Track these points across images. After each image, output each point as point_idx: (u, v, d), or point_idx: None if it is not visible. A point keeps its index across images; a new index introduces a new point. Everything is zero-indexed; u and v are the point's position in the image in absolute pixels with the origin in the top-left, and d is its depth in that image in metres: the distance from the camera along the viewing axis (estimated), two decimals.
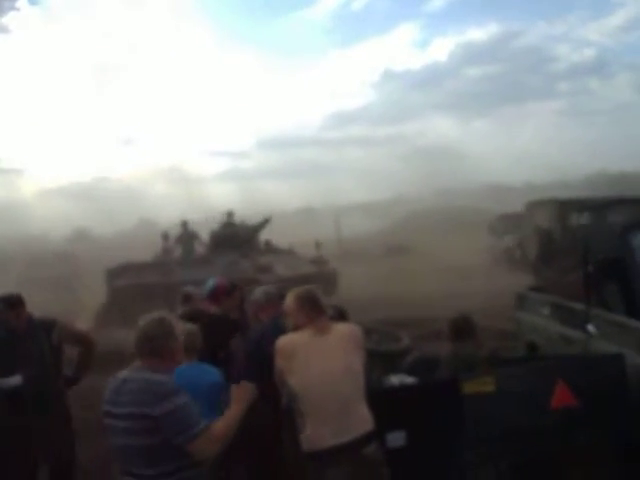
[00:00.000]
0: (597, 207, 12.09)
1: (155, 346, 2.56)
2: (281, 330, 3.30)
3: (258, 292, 4.33)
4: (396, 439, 3.48)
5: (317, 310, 3.06)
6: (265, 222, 15.47)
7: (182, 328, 2.79)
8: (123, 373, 2.61)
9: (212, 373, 3.69)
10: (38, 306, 4.78)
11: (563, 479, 3.90)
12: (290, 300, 3.15)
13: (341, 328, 3.11)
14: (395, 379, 4.37)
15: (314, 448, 2.81)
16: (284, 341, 3.01)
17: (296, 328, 3.08)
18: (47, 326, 4.12)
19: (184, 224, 15.27)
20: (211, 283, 4.90)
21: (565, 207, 13.23)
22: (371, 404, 3.01)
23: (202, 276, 12.39)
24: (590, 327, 4.64)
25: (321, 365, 2.84)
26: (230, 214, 15.48)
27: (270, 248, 15.20)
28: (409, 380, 4.27)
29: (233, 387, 2.68)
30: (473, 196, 16.55)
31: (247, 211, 16.96)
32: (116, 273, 13.79)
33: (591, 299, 4.78)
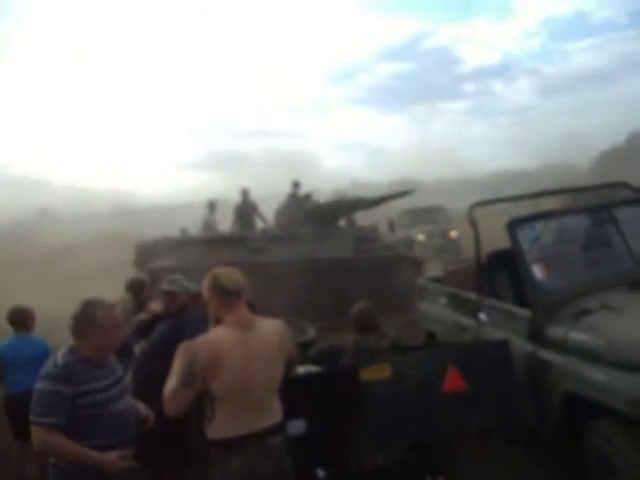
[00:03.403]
0: None
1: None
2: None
3: None
4: (296, 427, 3.54)
5: (237, 299, 2.86)
6: (403, 193, 13.34)
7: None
8: None
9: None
10: None
11: (456, 461, 4.13)
12: (204, 286, 2.92)
13: (266, 327, 2.94)
14: (301, 369, 4.46)
15: (221, 436, 2.77)
16: (210, 342, 2.78)
17: (216, 320, 2.91)
18: None
19: (244, 192, 13.18)
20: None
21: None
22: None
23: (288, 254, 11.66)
24: (481, 315, 4.93)
25: (244, 370, 2.76)
26: (296, 184, 13.39)
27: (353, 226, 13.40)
28: (314, 370, 4.38)
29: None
30: (385, 190, 16.97)
31: None
32: (153, 251, 11.74)
33: (483, 289, 5.07)
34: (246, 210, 13.19)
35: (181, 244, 12.05)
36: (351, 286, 10.75)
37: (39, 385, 2.68)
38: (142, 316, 4.67)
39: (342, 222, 13.36)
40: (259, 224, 13.36)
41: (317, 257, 11.68)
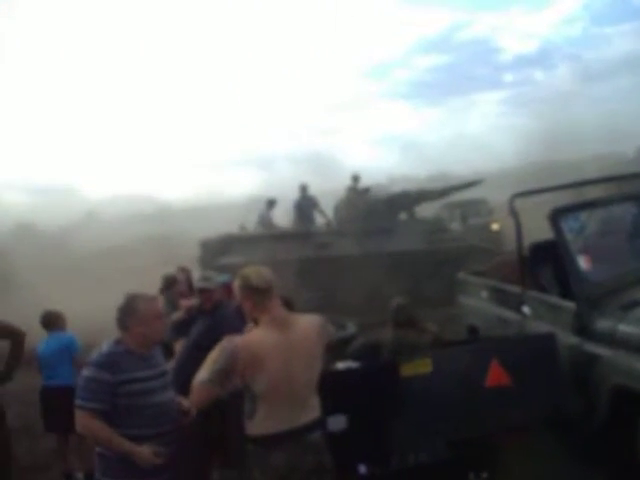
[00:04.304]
0: None
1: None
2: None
3: None
4: (337, 422, 3.53)
5: (270, 297, 2.82)
6: (469, 184, 13.19)
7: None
8: None
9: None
10: None
11: (499, 457, 4.05)
12: (235, 287, 2.91)
13: (304, 324, 2.89)
14: (342, 365, 4.45)
15: (262, 433, 2.76)
16: (250, 344, 2.75)
17: (253, 319, 2.91)
18: None
19: (303, 188, 13.07)
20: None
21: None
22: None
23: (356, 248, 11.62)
24: (525, 308, 4.82)
25: (285, 369, 2.74)
26: (356, 178, 13.23)
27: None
28: (355, 366, 4.35)
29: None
30: (424, 184, 16.78)
31: None
32: (218, 248, 11.80)
33: (527, 282, 4.96)
34: (306, 205, 13.07)
35: (247, 240, 12.12)
36: (424, 278, 10.74)
37: (84, 371, 2.85)
38: (177, 315, 4.71)
39: (403, 215, 13.21)
40: (318, 219, 13.27)
41: (389, 250, 11.58)
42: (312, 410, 2.87)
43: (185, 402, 3.04)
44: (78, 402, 2.78)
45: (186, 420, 3.03)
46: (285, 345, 2.78)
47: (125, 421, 2.80)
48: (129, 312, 2.93)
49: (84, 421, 2.77)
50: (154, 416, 2.86)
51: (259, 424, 2.78)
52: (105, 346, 2.92)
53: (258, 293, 2.82)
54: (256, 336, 2.81)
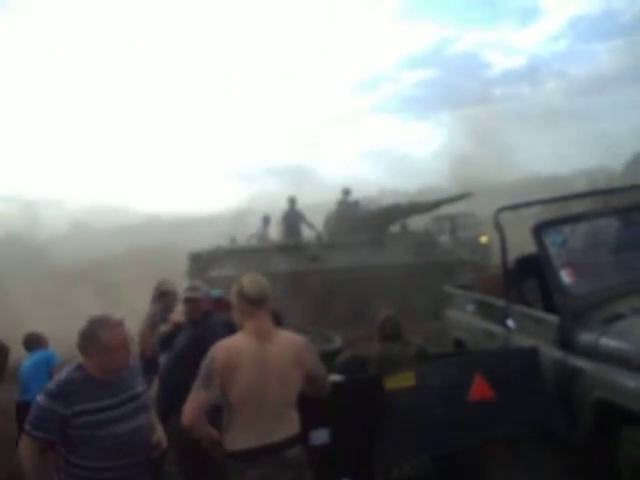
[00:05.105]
0: None
1: None
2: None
3: None
4: (320, 437, 3.52)
5: (259, 307, 2.88)
6: (460, 196, 13.14)
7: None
8: None
9: None
10: None
11: (484, 471, 4.04)
12: (232, 293, 2.96)
13: (284, 340, 2.91)
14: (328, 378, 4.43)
15: (236, 448, 2.79)
16: (227, 347, 2.82)
17: (241, 327, 2.93)
18: None
19: (291, 200, 13.11)
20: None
21: None
22: (297, 403, 2.97)
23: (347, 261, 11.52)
24: (510, 322, 4.83)
25: (258, 379, 2.77)
26: (347, 191, 13.39)
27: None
28: (339, 379, 4.33)
29: None
30: (413, 197, 16.88)
31: None
32: (207, 261, 11.82)
33: (512, 295, 4.98)
34: (294, 218, 13.14)
35: (236, 253, 12.16)
36: (413, 291, 10.71)
37: (38, 398, 2.70)
38: (164, 327, 4.67)
39: (394, 228, 13.29)
40: (306, 232, 13.31)
41: (379, 263, 11.64)
42: (290, 426, 2.87)
43: (158, 432, 2.95)
44: (26, 426, 2.66)
45: (156, 452, 2.92)
46: (260, 356, 2.80)
47: (79, 451, 2.68)
48: (90, 339, 2.74)
49: (23, 446, 2.65)
50: (114, 447, 2.70)
51: (235, 438, 2.80)
52: (64, 372, 2.76)
53: (248, 302, 2.88)
54: (234, 341, 2.88)
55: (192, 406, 2.78)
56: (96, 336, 2.73)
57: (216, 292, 5.16)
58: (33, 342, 5.44)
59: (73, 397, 2.64)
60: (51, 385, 2.71)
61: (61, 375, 2.74)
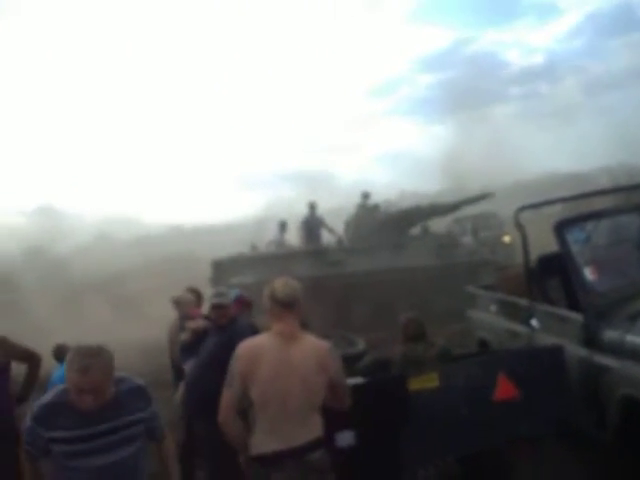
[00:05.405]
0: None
1: None
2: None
3: None
4: (345, 438, 3.53)
5: (289, 311, 2.91)
6: (481, 197, 13.14)
7: None
8: None
9: None
10: None
11: (510, 471, 4.02)
12: (264, 295, 2.99)
13: (309, 345, 2.93)
14: (352, 382, 4.44)
15: (260, 451, 2.82)
16: (250, 346, 2.88)
17: (269, 328, 2.97)
18: None
19: (312, 206, 13.10)
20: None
21: None
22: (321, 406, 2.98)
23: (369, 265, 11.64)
24: (534, 321, 4.80)
25: (279, 380, 2.79)
26: (366, 195, 13.51)
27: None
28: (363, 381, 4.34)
29: None
30: (434, 199, 16.83)
31: None
32: (230, 268, 11.92)
33: (535, 294, 4.94)
34: (314, 223, 13.17)
35: (258, 260, 12.27)
36: (435, 293, 10.68)
37: (27, 417, 2.61)
38: (184, 336, 4.73)
39: (415, 230, 13.27)
40: (325, 237, 13.36)
41: (400, 266, 11.64)
42: (313, 429, 2.89)
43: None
44: (23, 437, 2.62)
45: None
46: (282, 356, 2.84)
47: (60, 477, 2.57)
48: (67, 370, 2.50)
49: (25, 457, 2.64)
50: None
51: (259, 442, 2.83)
52: (50, 394, 2.60)
53: (279, 304, 2.93)
54: (257, 340, 2.96)
55: (222, 404, 2.86)
56: (68, 373, 2.49)
57: (235, 291, 5.36)
58: (63, 353, 5.52)
59: (50, 422, 2.50)
60: (36, 407, 2.59)
61: (46, 397, 2.60)
